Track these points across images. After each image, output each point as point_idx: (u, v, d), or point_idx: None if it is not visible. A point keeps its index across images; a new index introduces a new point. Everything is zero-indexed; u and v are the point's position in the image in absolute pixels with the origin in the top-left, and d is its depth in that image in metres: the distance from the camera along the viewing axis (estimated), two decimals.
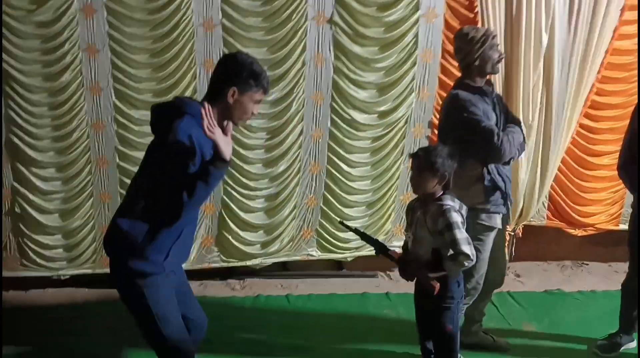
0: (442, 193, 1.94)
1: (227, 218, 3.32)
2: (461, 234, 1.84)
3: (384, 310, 3.04)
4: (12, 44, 2.85)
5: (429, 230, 1.90)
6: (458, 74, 3.13)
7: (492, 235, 2.32)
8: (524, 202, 3.43)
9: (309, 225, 3.42)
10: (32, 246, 3.17)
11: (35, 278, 3.23)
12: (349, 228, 2.09)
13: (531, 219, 3.55)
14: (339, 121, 3.22)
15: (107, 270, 1.82)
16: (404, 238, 2.16)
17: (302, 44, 3.06)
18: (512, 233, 3.55)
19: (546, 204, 3.57)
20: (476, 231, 2.25)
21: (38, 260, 3.19)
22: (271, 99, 3.12)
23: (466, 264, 1.83)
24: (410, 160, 1.95)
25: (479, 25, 2.99)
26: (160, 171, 1.63)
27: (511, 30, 3.10)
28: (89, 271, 3.27)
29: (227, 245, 3.38)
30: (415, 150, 1.97)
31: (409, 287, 3.32)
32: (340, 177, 3.32)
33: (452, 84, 2.96)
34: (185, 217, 1.63)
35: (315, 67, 3.12)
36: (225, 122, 1.63)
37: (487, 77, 2.33)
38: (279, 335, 2.78)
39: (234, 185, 3.26)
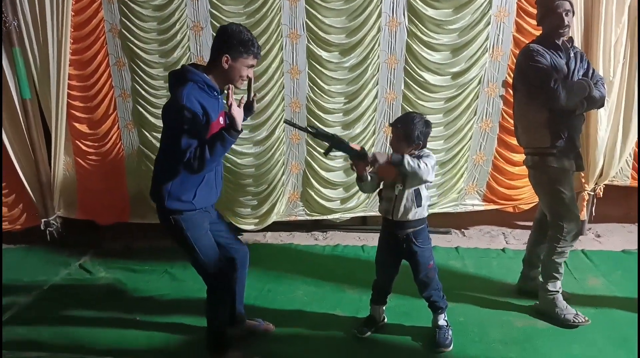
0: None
1: (310, 177, 3.69)
2: (430, 161, 2.10)
3: (450, 261, 3.21)
4: (135, 26, 3.40)
5: None
6: (533, 31, 3.16)
7: (569, 177, 2.38)
8: (604, 161, 3.34)
9: None
10: None
11: None
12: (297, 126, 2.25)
13: (613, 179, 3.44)
14: (412, 84, 3.38)
15: None
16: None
17: (378, 10, 3.25)
18: (592, 193, 3.46)
19: (630, 164, 3.42)
20: (549, 174, 2.36)
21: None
22: (348, 65, 3.38)
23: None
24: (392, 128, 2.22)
25: None
26: (174, 132, 1.92)
27: None
28: None
29: (311, 200, 3.75)
30: (395, 120, 2.25)
31: (479, 243, 3.47)
32: None
33: (527, 41, 2.99)
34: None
35: (390, 32, 3.30)
36: (233, 96, 1.91)
37: (562, 33, 2.32)
38: (351, 275, 3.10)
39: (316, 146, 3.59)
